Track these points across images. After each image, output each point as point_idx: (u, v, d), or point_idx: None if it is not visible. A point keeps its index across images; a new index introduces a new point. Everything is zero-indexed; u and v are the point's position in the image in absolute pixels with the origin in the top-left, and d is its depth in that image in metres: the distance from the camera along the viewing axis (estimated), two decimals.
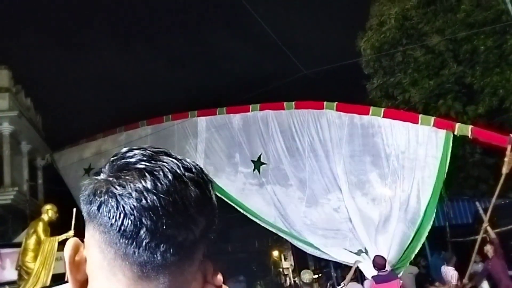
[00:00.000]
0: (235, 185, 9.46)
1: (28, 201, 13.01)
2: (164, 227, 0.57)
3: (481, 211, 8.72)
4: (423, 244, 8.29)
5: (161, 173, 0.59)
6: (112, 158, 0.63)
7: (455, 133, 7.66)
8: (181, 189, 0.59)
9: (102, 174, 0.62)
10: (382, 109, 8.83)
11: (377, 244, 8.09)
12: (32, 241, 8.23)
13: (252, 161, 9.43)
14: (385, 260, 7.64)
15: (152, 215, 0.57)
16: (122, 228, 0.57)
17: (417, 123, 8.09)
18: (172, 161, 0.61)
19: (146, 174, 0.59)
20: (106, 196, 0.59)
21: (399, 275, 7.82)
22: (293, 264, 25.56)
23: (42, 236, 8.24)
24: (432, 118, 8.23)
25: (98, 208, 0.59)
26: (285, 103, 9.32)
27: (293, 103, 9.25)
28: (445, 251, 10.95)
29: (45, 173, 15.46)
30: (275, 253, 27.46)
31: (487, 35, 14.01)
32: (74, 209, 7.99)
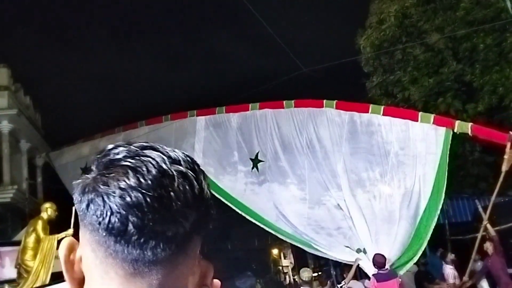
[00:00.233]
0: (236, 186, 9.42)
1: (28, 200, 13.01)
2: (151, 223, 0.57)
3: (480, 209, 8.73)
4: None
5: (144, 169, 0.59)
6: (97, 156, 0.63)
7: (455, 131, 7.65)
8: (167, 183, 0.59)
9: (91, 172, 0.62)
10: (382, 107, 8.83)
11: (378, 242, 8.08)
12: (31, 240, 8.22)
13: (251, 159, 9.42)
14: (385, 259, 7.65)
15: (137, 212, 0.56)
16: (110, 226, 0.57)
17: (417, 120, 8.09)
18: (158, 155, 0.61)
19: (129, 171, 0.58)
20: (92, 195, 0.59)
21: (399, 274, 7.82)
22: (292, 262, 25.56)
23: (42, 235, 8.24)
24: (432, 116, 8.23)
25: (87, 207, 0.60)
26: (284, 102, 9.30)
27: (293, 101, 9.23)
28: (444, 249, 10.97)
29: (44, 171, 15.45)
30: (275, 251, 27.44)
31: (487, 33, 14.00)
32: (74, 208, 7.96)
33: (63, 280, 0.65)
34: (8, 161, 13.43)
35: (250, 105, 9.63)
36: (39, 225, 8.31)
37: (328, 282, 12.59)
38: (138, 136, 10.38)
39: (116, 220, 0.57)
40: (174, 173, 0.60)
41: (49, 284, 7.82)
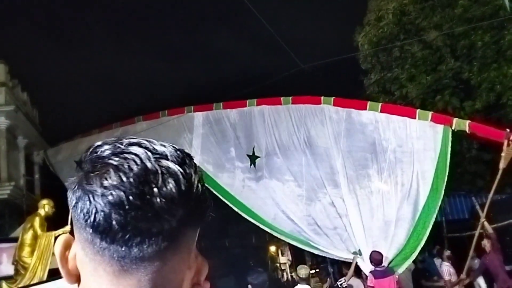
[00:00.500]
0: (235, 183, 9.42)
1: (25, 196, 12.96)
2: (134, 221, 0.57)
3: (477, 207, 8.75)
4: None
5: (126, 166, 0.59)
6: (84, 154, 0.64)
7: (453, 128, 7.65)
8: (150, 180, 0.59)
9: (80, 170, 0.63)
10: (380, 104, 8.80)
11: (375, 241, 8.08)
12: (28, 236, 8.21)
13: (248, 155, 9.41)
14: (382, 256, 7.67)
15: (119, 210, 0.57)
16: (95, 224, 0.58)
17: (415, 118, 8.08)
18: (143, 152, 0.61)
19: (111, 169, 0.59)
20: (79, 193, 0.60)
21: (396, 272, 7.83)
22: (290, 259, 25.61)
23: (39, 231, 8.23)
24: (430, 113, 8.23)
25: (75, 205, 0.60)
26: (282, 98, 9.28)
27: (290, 98, 9.20)
28: (441, 246, 11.00)
29: (41, 168, 15.42)
30: (273, 249, 27.50)
31: (485, 30, 13.99)
32: None
33: (61, 277, 0.66)
34: (5, 158, 13.40)
35: (247, 101, 9.60)
36: (37, 221, 8.30)
37: (328, 279, 12.64)
38: (135, 132, 10.34)
39: (101, 218, 0.57)
40: (159, 169, 0.60)
41: (47, 281, 7.82)
